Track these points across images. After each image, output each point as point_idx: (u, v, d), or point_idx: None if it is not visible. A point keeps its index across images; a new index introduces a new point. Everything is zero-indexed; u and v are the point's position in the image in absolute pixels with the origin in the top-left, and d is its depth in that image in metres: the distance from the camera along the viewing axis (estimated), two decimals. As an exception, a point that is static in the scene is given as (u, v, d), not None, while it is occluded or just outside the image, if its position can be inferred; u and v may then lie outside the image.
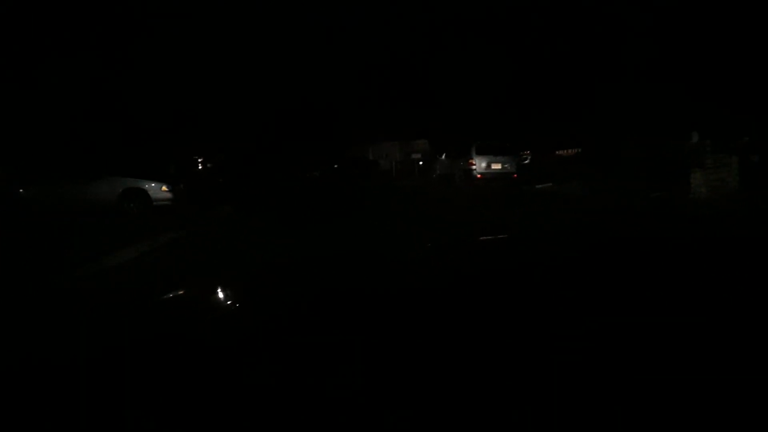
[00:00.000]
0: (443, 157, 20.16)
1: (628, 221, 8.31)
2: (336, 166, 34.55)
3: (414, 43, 26.93)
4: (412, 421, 0.67)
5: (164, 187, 12.07)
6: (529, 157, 22.23)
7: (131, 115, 13.84)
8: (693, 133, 10.60)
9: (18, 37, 13.17)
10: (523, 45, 27.46)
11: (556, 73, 27.59)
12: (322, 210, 13.20)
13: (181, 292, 1.41)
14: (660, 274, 1.17)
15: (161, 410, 0.72)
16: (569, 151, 26.90)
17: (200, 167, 37.12)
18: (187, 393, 0.76)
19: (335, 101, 32.52)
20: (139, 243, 7.95)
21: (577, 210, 11.07)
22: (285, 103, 34.12)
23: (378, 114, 32.51)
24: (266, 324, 1.03)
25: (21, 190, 11.67)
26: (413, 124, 32.27)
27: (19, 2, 13.63)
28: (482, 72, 27.19)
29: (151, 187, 12.05)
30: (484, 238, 2.15)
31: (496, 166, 17.56)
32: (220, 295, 1.40)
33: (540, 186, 17.34)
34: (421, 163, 31.65)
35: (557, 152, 26.27)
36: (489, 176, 17.40)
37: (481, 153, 17.51)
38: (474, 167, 17.35)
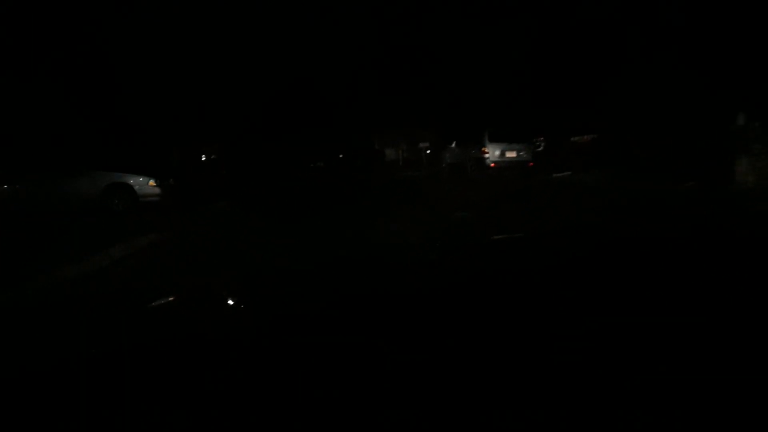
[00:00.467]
0: (453, 145, 19.00)
1: (664, 215, 7.27)
2: (341, 155, 33.56)
3: (419, 25, 25.70)
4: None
5: (152, 182, 11.06)
6: (543, 144, 21.04)
7: (116, 104, 12.85)
8: (739, 114, 9.44)
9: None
10: (533, 25, 26.20)
11: (570, 54, 26.32)
12: (327, 206, 12.17)
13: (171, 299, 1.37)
14: (713, 280, 1.03)
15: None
16: (584, 137, 25.71)
17: (204, 158, 36.25)
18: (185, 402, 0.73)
19: (339, 88, 31.38)
20: (113, 247, 6.98)
21: (603, 202, 10.00)
22: (287, 91, 33.02)
23: (383, 101, 31.38)
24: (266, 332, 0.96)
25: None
26: (419, 111, 31.14)
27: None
28: (491, 55, 25.97)
29: (138, 181, 11.04)
30: (498, 237, 2.16)
31: (511, 154, 16.43)
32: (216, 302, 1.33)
33: (558, 175, 16.24)
34: (428, 151, 30.57)
35: (572, 139, 25.06)
36: (503, 165, 16.28)
37: (494, 140, 16.38)
38: (487, 155, 16.23)
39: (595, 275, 1.16)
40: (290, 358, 0.82)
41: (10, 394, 0.77)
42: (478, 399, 0.69)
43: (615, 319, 0.86)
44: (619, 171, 15.93)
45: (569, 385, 0.70)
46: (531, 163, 16.61)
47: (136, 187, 10.99)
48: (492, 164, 16.20)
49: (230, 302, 1.33)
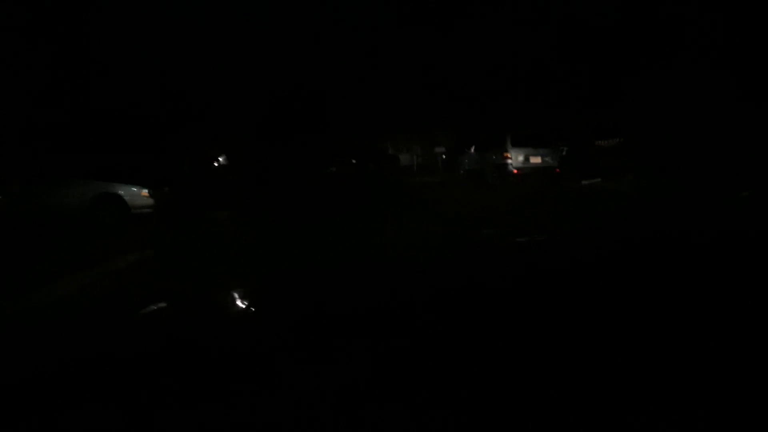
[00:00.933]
0: (472, 150, 17.82)
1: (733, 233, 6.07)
2: (354, 161, 32.64)
3: (435, 23, 24.62)
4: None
5: (144, 192, 10.08)
6: (566, 149, 19.78)
7: (109, 106, 11.93)
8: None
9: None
10: (551, 19, 24.98)
11: (592, 53, 25.08)
12: (331, 213, 11.09)
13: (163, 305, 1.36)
14: None
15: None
16: (609, 141, 24.39)
17: (216, 165, 35.49)
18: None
19: (352, 91, 30.42)
20: (85, 270, 6.03)
21: (646, 214, 8.80)
22: (299, 95, 32.14)
23: (397, 104, 30.33)
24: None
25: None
26: (435, 114, 30.03)
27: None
28: (508, 53, 24.80)
29: (129, 191, 10.06)
30: (520, 239, 2.21)
31: (536, 160, 15.23)
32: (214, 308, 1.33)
33: (587, 182, 15.02)
34: (444, 156, 29.42)
35: (597, 142, 23.77)
36: (527, 171, 15.07)
37: (517, 145, 15.18)
38: (509, 161, 15.04)
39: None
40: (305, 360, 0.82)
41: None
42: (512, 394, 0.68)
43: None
44: (654, 178, 14.69)
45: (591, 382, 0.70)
46: (558, 170, 15.39)
47: (127, 198, 10.01)
48: (515, 171, 15.01)
49: (237, 306, 1.31)
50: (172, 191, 10.97)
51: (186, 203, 11.66)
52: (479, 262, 1.51)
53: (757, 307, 0.94)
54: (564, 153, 19.71)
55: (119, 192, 10.02)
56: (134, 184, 10.15)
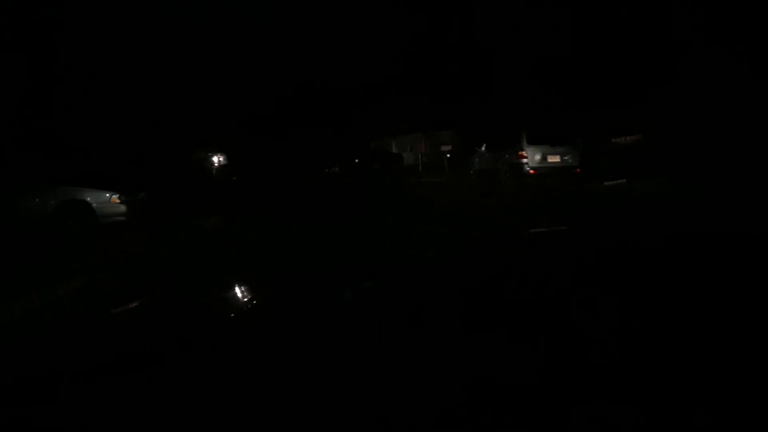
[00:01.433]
0: (483, 148, 16.52)
1: None
2: (357, 160, 31.51)
3: (443, 15, 23.33)
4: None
5: (115, 198, 8.85)
6: (582, 146, 18.49)
7: (79, 104, 10.75)
8: None
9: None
10: (566, 10, 23.76)
11: (609, 48, 23.86)
12: (342, 223, 9.82)
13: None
14: None
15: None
16: (627, 138, 23.13)
17: (216, 164, 34.45)
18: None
19: (355, 87, 29.22)
20: (15, 301, 4.88)
21: (697, 221, 7.52)
22: (301, 91, 30.98)
23: (401, 101, 29.13)
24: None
25: None
26: (441, 111, 28.81)
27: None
28: (519, 46, 23.55)
29: (97, 198, 8.83)
30: (535, 230, 2.18)
31: (554, 159, 13.92)
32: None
33: (610, 183, 13.74)
34: (448, 155, 28.23)
35: (614, 140, 22.52)
36: (544, 172, 13.77)
37: (533, 142, 13.88)
38: (525, 161, 13.74)
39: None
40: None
41: None
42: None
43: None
44: (682, 178, 13.40)
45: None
46: (578, 170, 14.09)
47: (95, 205, 8.78)
48: (531, 171, 13.71)
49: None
50: (151, 197, 9.72)
51: (169, 210, 10.40)
52: (492, 256, 1.49)
53: None
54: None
55: (86, 198, 8.80)
56: (105, 189, 8.93)
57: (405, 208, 11.38)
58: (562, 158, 13.97)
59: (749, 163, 13.15)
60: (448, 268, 1.40)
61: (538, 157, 13.78)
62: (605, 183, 13.63)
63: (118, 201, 8.85)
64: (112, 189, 8.93)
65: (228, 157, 35.47)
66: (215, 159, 34.12)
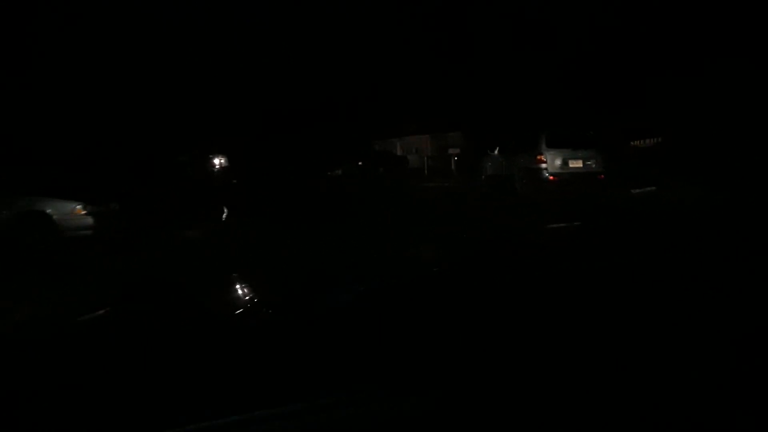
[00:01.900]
0: (495, 152, 15.28)
1: None
2: (360, 163, 30.48)
3: (451, 12, 22.18)
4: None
5: (79, 208, 7.68)
6: (605, 150, 17.29)
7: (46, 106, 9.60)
8: None
9: None
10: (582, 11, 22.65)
11: (625, 46, 22.79)
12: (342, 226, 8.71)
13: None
14: None
15: None
16: (646, 141, 21.95)
17: (217, 167, 33.55)
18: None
19: (357, 89, 28.14)
20: None
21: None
22: (302, 93, 29.95)
23: (405, 101, 28.04)
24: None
25: None
26: (448, 111, 27.69)
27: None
28: (531, 47, 22.43)
29: (59, 208, 7.66)
30: (552, 226, 2.24)
31: (576, 164, 12.67)
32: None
33: (637, 191, 12.51)
34: (456, 158, 27.11)
35: (632, 143, 21.36)
36: (566, 178, 12.52)
37: (553, 145, 12.64)
38: (544, 165, 12.51)
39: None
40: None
41: None
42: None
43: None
44: (718, 186, 12.16)
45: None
46: (602, 176, 12.85)
47: (56, 217, 7.61)
48: (551, 177, 12.47)
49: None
50: (125, 207, 8.54)
51: (148, 220, 9.22)
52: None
53: None
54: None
55: (46, 210, 7.63)
56: (68, 198, 7.76)
57: (412, 214, 10.30)
58: (584, 163, 12.73)
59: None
60: (460, 269, 1.38)
61: (558, 161, 12.54)
62: (632, 191, 12.40)
63: (84, 212, 7.68)
64: (77, 198, 7.77)
65: (228, 160, 34.49)
66: (216, 161, 33.14)
